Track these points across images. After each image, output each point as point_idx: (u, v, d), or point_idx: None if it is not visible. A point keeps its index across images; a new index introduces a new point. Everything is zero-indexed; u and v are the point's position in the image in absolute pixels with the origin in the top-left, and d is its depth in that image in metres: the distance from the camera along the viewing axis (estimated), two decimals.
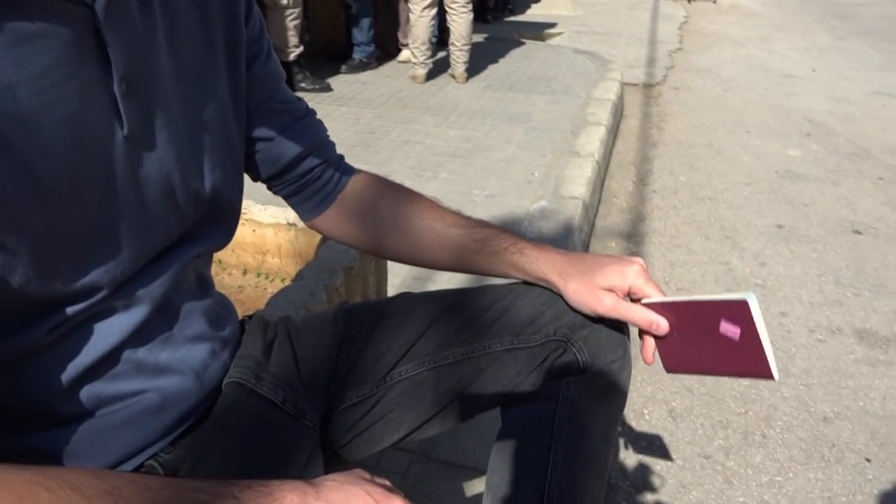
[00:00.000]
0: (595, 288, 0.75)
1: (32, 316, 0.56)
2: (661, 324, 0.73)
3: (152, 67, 0.61)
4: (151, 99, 0.61)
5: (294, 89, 3.86)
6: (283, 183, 0.86)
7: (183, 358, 0.69)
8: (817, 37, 7.05)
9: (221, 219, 0.75)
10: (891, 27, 7.55)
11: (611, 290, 0.75)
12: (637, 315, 0.75)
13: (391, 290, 1.66)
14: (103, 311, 0.62)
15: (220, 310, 0.78)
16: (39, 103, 0.52)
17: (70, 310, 0.58)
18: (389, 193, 0.87)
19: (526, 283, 0.84)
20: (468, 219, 0.84)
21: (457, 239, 0.82)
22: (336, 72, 4.56)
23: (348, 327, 0.85)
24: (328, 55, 4.82)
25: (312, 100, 3.95)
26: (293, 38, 3.96)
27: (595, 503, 0.75)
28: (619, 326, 0.80)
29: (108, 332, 0.62)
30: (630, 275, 0.75)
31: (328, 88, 4.17)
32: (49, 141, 0.53)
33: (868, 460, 1.71)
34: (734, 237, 2.84)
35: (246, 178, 0.82)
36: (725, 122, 4.31)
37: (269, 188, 0.87)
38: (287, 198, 0.88)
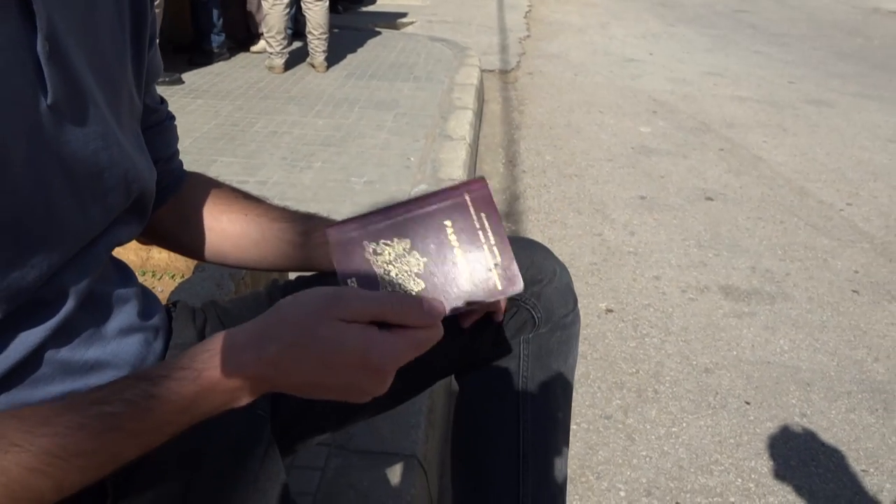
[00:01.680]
0: None
1: None
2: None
3: (74, 31, 0.53)
4: (76, 65, 0.53)
5: None
6: None
7: (115, 352, 0.61)
8: (649, 23, 7.56)
9: (141, 205, 0.66)
10: (711, 14, 8.26)
11: None
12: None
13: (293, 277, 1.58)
14: (24, 308, 0.53)
15: (145, 298, 0.70)
16: None
17: None
18: (213, 193, 0.80)
19: None
20: (294, 212, 0.80)
21: (281, 233, 0.77)
22: (184, 63, 4.29)
23: None
24: (174, 46, 4.53)
25: (163, 92, 3.70)
26: None
27: (563, 456, 0.75)
28: (568, 283, 0.80)
29: (30, 331, 0.54)
30: None
31: (180, 81, 3.93)
32: None
33: (748, 403, 1.86)
34: (603, 210, 2.99)
35: None
36: (580, 103, 4.52)
37: None
38: None
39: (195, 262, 1.29)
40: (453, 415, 0.78)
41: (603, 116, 4.27)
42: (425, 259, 0.50)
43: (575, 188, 3.21)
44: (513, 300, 0.77)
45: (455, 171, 2.81)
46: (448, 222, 0.52)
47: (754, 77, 5.41)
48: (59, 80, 0.51)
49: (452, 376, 0.81)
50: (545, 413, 0.73)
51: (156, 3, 3.70)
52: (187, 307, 0.77)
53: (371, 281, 0.49)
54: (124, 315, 0.63)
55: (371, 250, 0.50)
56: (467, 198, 0.52)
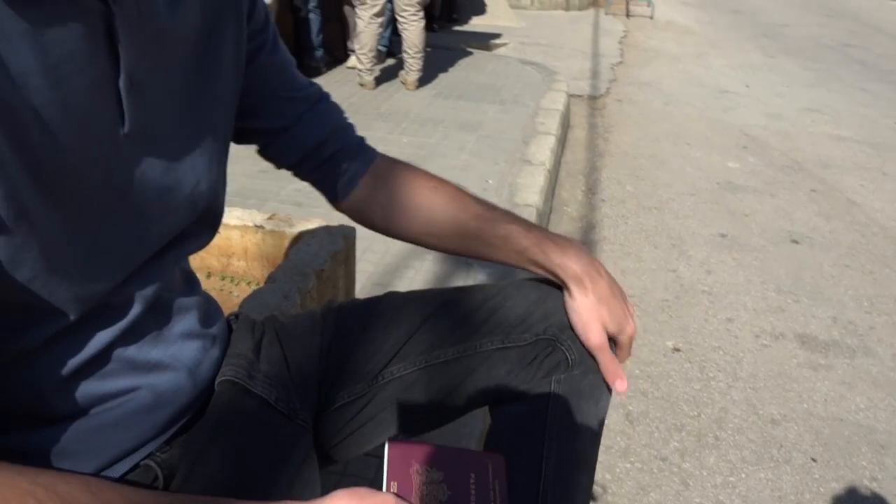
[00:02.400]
0: (596, 321, 0.77)
1: (34, 315, 0.54)
2: (620, 382, 0.78)
3: (157, 66, 0.60)
4: (154, 97, 0.60)
5: None
6: (304, 170, 0.85)
7: (175, 354, 0.68)
8: (749, 54, 7.35)
9: (210, 218, 0.73)
10: (816, 47, 7.94)
11: (604, 327, 0.78)
12: (608, 366, 0.78)
13: (356, 293, 1.65)
14: (98, 310, 0.60)
15: (208, 307, 0.76)
16: (51, 96, 0.50)
17: (69, 309, 0.56)
18: (413, 180, 0.87)
19: (517, 281, 0.85)
20: (493, 211, 0.84)
21: (480, 232, 0.82)
22: None
23: (338, 327, 0.84)
24: None
25: None
26: None
27: (586, 499, 0.76)
28: None
29: (101, 331, 0.61)
30: (626, 332, 0.79)
31: None
32: (57, 135, 0.51)
33: (814, 460, 1.79)
34: (681, 246, 2.93)
35: None
36: (668, 134, 4.45)
37: (295, 175, 0.86)
38: (313, 184, 0.87)
39: (270, 271, 1.37)
40: (483, 445, 0.80)
41: (690, 149, 4.19)
42: (450, 492, 0.60)
43: (654, 221, 3.16)
44: (549, 339, 0.79)
45: (532, 196, 2.83)
46: (473, 475, 0.62)
47: (857, 116, 5.17)
48: (136, 111, 0.58)
49: (486, 407, 0.84)
50: (569, 452, 0.75)
51: None
52: (248, 319, 0.83)
53: (408, 492, 0.58)
54: (186, 321, 0.70)
55: (415, 469, 0.59)
56: (489, 466, 0.63)
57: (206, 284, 1.50)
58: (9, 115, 0.48)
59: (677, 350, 2.22)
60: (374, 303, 0.86)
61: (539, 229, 0.83)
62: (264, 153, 0.83)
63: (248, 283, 1.47)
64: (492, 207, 0.84)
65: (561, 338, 0.79)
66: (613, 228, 3.07)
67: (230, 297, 1.43)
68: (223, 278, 1.47)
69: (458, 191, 0.86)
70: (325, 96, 0.85)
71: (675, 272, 2.71)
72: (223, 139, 0.72)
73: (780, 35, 8.65)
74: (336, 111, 0.86)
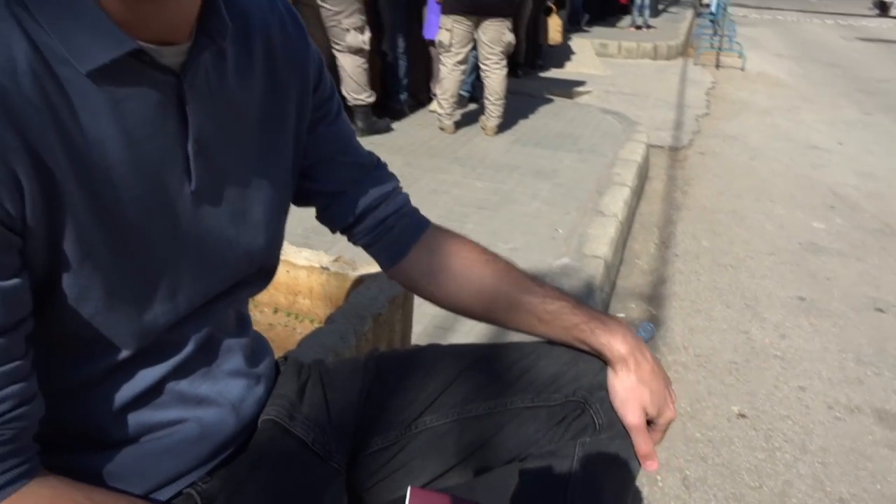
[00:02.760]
0: (636, 401, 0.79)
1: (95, 348, 0.61)
2: (651, 462, 0.79)
3: (224, 130, 0.67)
4: (219, 159, 0.67)
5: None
6: (357, 234, 0.89)
7: (221, 391, 0.73)
8: (844, 110, 7.10)
9: (265, 269, 0.79)
10: None
11: (644, 409, 0.79)
12: (641, 446, 0.79)
13: (415, 338, 1.69)
14: (153, 347, 0.66)
15: (256, 347, 0.82)
16: (126, 156, 0.57)
17: (126, 345, 0.62)
18: (464, 252, 0.89)
19: (550, 342, 0.87)
20: (542, 287, 0.86)
21: (530, 307, 0.84)
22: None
23: (378, 375, 0.88)
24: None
25: None
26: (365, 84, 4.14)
27: None
28: None
29: (155, 366, 0.67)
30: (665, 415, 0.81)
31: (389, 128, 4.37)
32: (128, 191, 0.58)
33: None
34: (755, 307, 2.84)
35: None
36: (751, 189, 4.34)
37: (348, 240, 0.90)
38: (365, 248, 0.91)
39: (332, 311, 1.44)
40: (509, 501, 0.82)
41: (773, 206, 4.07)
42: None
43: (728, 279, 3.09)
44: (578, 402, 0.81)
45: (600, 248, 2.82)
46: None
47: None
48: (202, 171, 0.64)
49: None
50: None
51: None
52: (296, 362, 0.88)
53: None
54: (234, 360, 0.76)
55: None
56: None
57: (273, 319, 1.58)
58: (86, 171, 0.55)
59: (743, 416, 2.14)
60: (414, 353, 0.90)
61: (587, 308, 0.84)
62: (320, 216, 0.89)
63: (311, 321, 1.53)
64: (541, 283, 0.87)
65: (590, 400, 0.80)
66: (685, 284, 3.01)
67: (293, 334, 1.50)
68: (288, 314, 1.55)
69: (509, 265, 0.88)
70: (380, 164, 0.90)
71: (746, 334, 2.63)
72: (282, 198, 0.78)
73: (879, 91, 8.31)
74: (390, 179, 0.90)
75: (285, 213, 0.80)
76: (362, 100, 4.20)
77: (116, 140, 0.56)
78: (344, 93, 4.19)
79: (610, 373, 0.81)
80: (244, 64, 0.69)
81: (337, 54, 4.09)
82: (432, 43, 4.73)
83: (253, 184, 0.72)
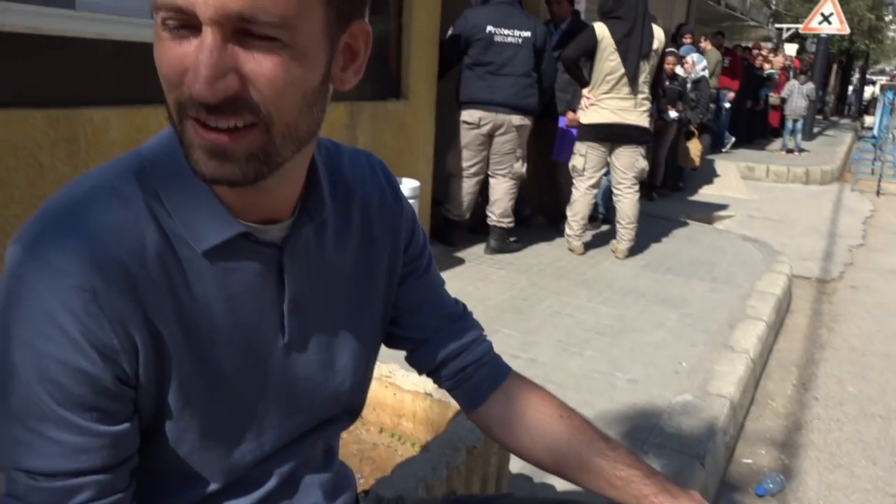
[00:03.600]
0: None
1: (187, 481, 0.70)
2: None
3: (318, 291, 0.76)
4: (311, 314, 0.76)
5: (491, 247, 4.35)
6: (440, 379, 0.95)
7: None
8: None
9: (351, 409, 0.87)
10: None
11: None
12: None
13: (512, 472, 1.69)
14: (240, 481, 0.74)
15: (339, 482, 0.88)
16: (228, 318, 0.68)
17: (216, 479, 0.71)
18: (540, 405, 0.92)
19: None
20: (616, 449, 0.87)
21: (600, 469, 0.86)
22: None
23: None
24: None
25: (474, 261, 4.21)
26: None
27: None
28: None
29: (239, 499, 0.74)
30: None
31: (517, 247, 4.51)
32: (228, 346, 0.69)
33: None
34: None
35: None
36: None
37: (433, 382, 0.97)
38: (448, 391, 0.97)
39: (433, 436, 1.49)
40: None
41: None
42: None
43: (876, 431, 2.81)
44: None
45: (727, 387, 2.69)
46: None
47: None
48: (295, 326, 0.74)
49: None
50: None
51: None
52: (377, 496, 0.94)
53: None
54: (315, 496, 0.82)
55: None
56: None
57: (377, 438, 1.65)
58: (192, 333, 0.66)
59: None
60: (489, 501, 0.93)
61: (659, 478, 0.84)
62: (407, 358, 0.96)
63: (413, 445, 1.59)
64: (616, 446, 0.87)
65: None
66: (825, 433, 2.77)
67: (394, 455, 1.56)
68: (392, 436, 1.61)
69: (585, 423, 0.90)
70: (466, 314, 0.97)
71: (895, 497, 2.36)
72: (371, 346, 0.86)
73: None
74: (475, 328, 0.96)
75: (373, 359, 0.88)
76: (504, 223, 4.37)
77: (221, 305, 0.67)
78: (488, 212, 4.39)
79: None
80: (342, 230, 0.80)
81: (493, 179, 4.35)
82: (558, 164, 4.88)
83: (342, 334, 0.80)
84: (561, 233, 4.76)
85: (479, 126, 4.15)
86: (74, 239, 0.61)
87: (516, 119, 4.15)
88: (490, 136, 4.22)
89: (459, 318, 0.95)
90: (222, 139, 0.58)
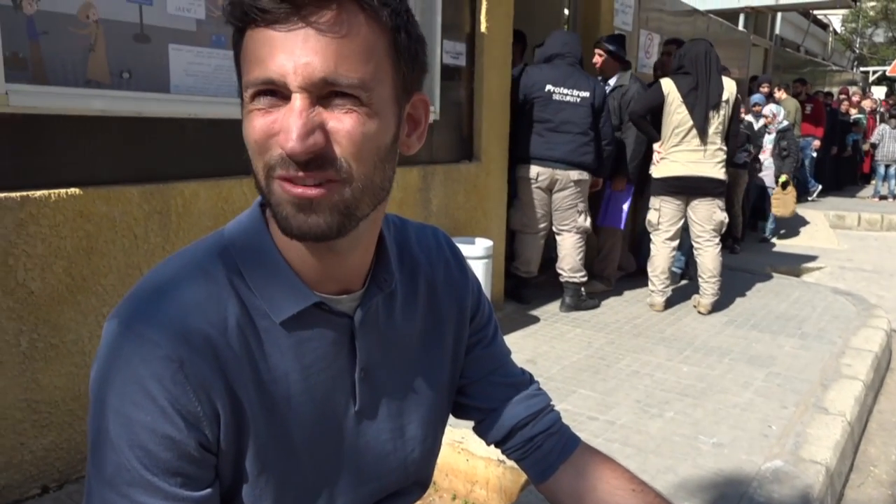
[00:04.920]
0: None
1: None
2: None
3: (387, 360, 0.79)
4: (381, 381, 0.79)
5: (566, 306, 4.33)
6: (508, 449, 0.95)
7: None
8: None
9: (420, 480, 0.88)
10: None
11: None
12: None
13: None
14: None
15: None
16: (303, 387, 0.71)
17: None
18: (612, 478, 0.90)
19: None
20: None
21: None
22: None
23: None
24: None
25: (549, 319, 4.17)
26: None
27: None
28: None
29: None
30: None
31: (596, 305, 4.48)
32: (302, 415, 0.72)
33: None
34: None
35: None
36: None
37: (502, 452, 0.97)
38: (516, 462, 0.97)
39: (506, 503, 1.47)
40: None
41: None
42: None
43: None
44: None
45: (822, 452, 2.53)
46: None
47: None
48: (366, 394, 0.77)
49: None
50: None
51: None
52: None
53: None
54: None
55: None
56: None
57: None
58: (269, 401, 0.70)
59: None
60: None
61: None
62: (475, 429, 0.97)
63: None
64: None
65: None
66: None
67: None
68: (465, 502, 1.60)
69: (659, 497, 0.88)
70: (533, 383, 0.97)
71: None
72: (439, 415, 0.88)
73: None
74: (542, 398, 0.96)
75: (441, 429, 0.89)
76: (576, 279, 4.34)
77: (297, 373, 0.71)
78: (558, 269, 4.38)
79: None
80: (409, 300, 0.83)
81: (558, 235, 4.36)
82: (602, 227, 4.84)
83: (411, 402, 0.83)
84: (635, 288, 4.67)
85: (537, 181, 4.22)
86: (164, 314, 0.66)
87: (574, 174, 4.20)
88: (550, 192, 4.27)
89: (526, 387, 0.96)
90: (309, 192, 0.64)
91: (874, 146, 11.42)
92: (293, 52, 0.61)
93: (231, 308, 0.69)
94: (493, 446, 0.97)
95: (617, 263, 4.99)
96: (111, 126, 2.21)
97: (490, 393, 0.93)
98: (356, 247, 0.73)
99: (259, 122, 0.64)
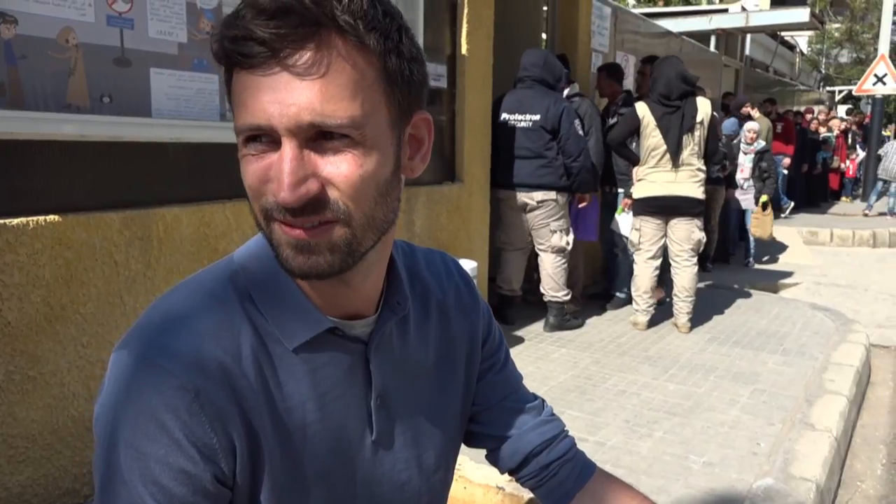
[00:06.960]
0: None
1: None
2: None
3: (402, 386, 0.77)
4: (397, 409, 0.77)
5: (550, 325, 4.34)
6: (522, 477, 0.93)
7: None
8: None
9: None
10: None
11: None
12: None
13: None
14: None
15: None
16: (319, 415, 0.69)
17: None
18: (618, 492, 0.89)
19: None
20: None
21: None
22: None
23: None
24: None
25: (534, 339, 4.16)
26: (563, 281, 4.38)
27: None
28: None
29: None
30: None
31: (580, 324, 4.50)
32: (318, 444, 0.69)
33: None
34: None
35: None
36: None
37: (516, 480, 0.94)
38: (532, 490, 0.94)
39: None
40: None
41: None
42: None
43: None
44: None
45: (811, 469, 2.53)
46: None
47: None
48: (382, 422, 0.74)
49: None
50: None
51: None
52: None
53: None
54: None
55: None
56: None
57: None
58: (285, 430, 0.67)
59: None
60: None
61: None
62: (488, 457, 0.95)
63: None
64: None
65: None
66: None
67: None
68: None
69: None
70: (546, 409, 0.95)
71: None
72: (453, 443, 0.86)
73: None
74: (556, 423, 0.94)
75: (454, 458, 0.87)
76: (559, 298, 4.34)
77: (312, 402, 0.69)
78: (541, 290, 4.38)
79: None
80: (421, 324, 0.81)
81: (540, 254, 4.36)
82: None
83: (426, 430, 0.80)
84: (617, 308, 4.69)
85: (508, 203, 4.32)
86: (176, 341, 0.64)
87: (537, 195, 4.23)
88: (524, 211, 4.32)
89: (540, 412, 0.94)
90: (307, 235, 0.62)
91: (879, 158, 11.32)
92: (276, 97, 0.59)
93: (245, 335, 0.67)
94: (497, 471, 0.95)
95: (582, 281, 5.01)
96: (91, 151, 2.17)
97: (503, 419, 0.91)
98: (366, 277, 0.72)
99: (252, 168, 0.62)
